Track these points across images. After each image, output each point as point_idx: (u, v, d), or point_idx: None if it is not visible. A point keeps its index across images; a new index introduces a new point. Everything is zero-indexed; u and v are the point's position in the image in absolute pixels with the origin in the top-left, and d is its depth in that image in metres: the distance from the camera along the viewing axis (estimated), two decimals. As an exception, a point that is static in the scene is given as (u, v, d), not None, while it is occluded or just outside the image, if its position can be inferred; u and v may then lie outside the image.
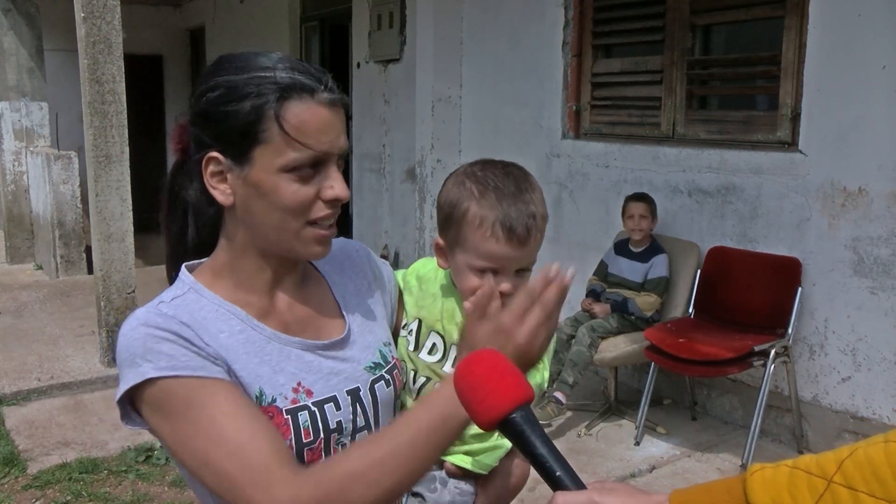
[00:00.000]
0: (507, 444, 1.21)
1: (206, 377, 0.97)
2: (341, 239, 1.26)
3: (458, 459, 1.21)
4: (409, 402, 1.23)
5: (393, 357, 1.19)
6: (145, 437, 3.72)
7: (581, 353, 3.68)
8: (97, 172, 4.36)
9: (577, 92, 4.65)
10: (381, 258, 1.31)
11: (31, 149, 7.31)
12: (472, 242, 1.13)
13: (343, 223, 7.54)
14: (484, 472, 1.20)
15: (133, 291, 4.54)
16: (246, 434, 0.96)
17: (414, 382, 1.22)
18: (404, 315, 1.27)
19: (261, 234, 1.05)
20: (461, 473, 1.21)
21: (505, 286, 1.13)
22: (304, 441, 1.04)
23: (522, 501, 3.33)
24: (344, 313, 1.16)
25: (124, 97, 4.39)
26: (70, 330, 5.29)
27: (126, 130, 4.43)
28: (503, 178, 1.15)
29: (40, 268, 7.26)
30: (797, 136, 3.58)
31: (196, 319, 1.01)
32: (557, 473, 0.92)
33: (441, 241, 1.20)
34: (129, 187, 4.47)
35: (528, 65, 4.90)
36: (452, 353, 1.19)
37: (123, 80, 4.38)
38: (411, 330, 1.24)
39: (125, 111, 4.41)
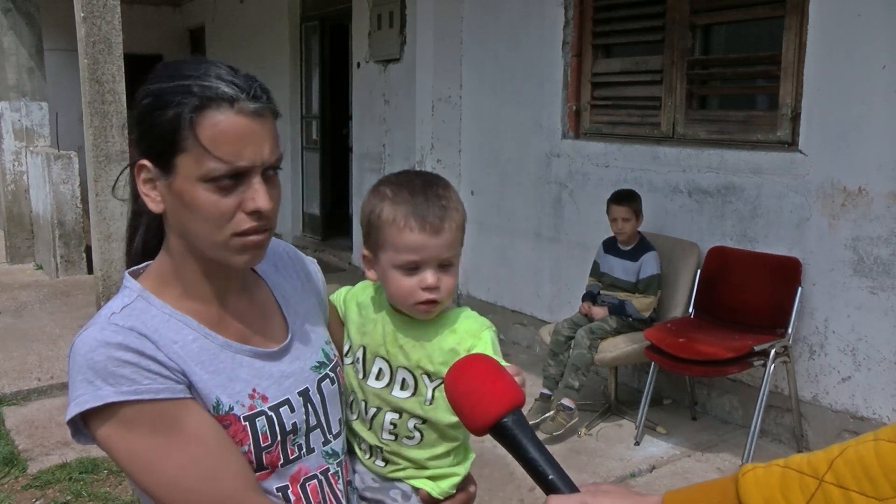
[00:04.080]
0: (463, 471, 1.26)
1: (169, 399, 0.99)
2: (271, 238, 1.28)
3: (422, 484, 1.23)
4: (364, 432, 1.25)
5: (334, 355, 1.22)
6: (145, 436, 3.72)
7: (582, 356, 3.67)
8: (97, 172, 4.36)
9: (577, 92, 4.65)
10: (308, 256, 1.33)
11: (31, 149, 7.31)
12: (390, 240, 1.17)
13: (343, 222, 7.55)
14: (441, 499, 1.24)
15: (133, 291, 4.54)
16: (215, 458, 1.00)
17: (366, 413, 1.24)
18: (348, 342, 1.28)
19: (192, 243, 1.05)
20: (430, 500, 1.24)
21: (430, 279, 1.16)
22: (263, 445, 1.07)
23: (522, 501, 3.34)
24: (286, 315, 1.18)
25: (124, 97, 4.39)
26: (70, 330, 5.29)
27: (126, 130, 4.43)
28: (414, 177, 1.20)
29: (40, 268, 7.26)
30: (797, 136, 3.58)
31: (151, 329, 1.02)
32: (550, 477, 0.92)
33: (366, 252, 1.23)
34: (129, 187, 4.46)
35: (528, 65, 4.90)
36: (399, 377, 1.21)
37: (123, 80, 4.38)
38: (358, 358, 1.26)
39: (125, 111, 4.41)
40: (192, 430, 1.00)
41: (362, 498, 1.25)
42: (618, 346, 3.72)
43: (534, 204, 4.94)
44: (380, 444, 1.23)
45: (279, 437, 1.08)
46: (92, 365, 0.98)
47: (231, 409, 1.05)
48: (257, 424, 1.06)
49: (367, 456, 1.25)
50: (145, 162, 1.03)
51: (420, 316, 1.20)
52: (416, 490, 1.23)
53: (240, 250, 1.03)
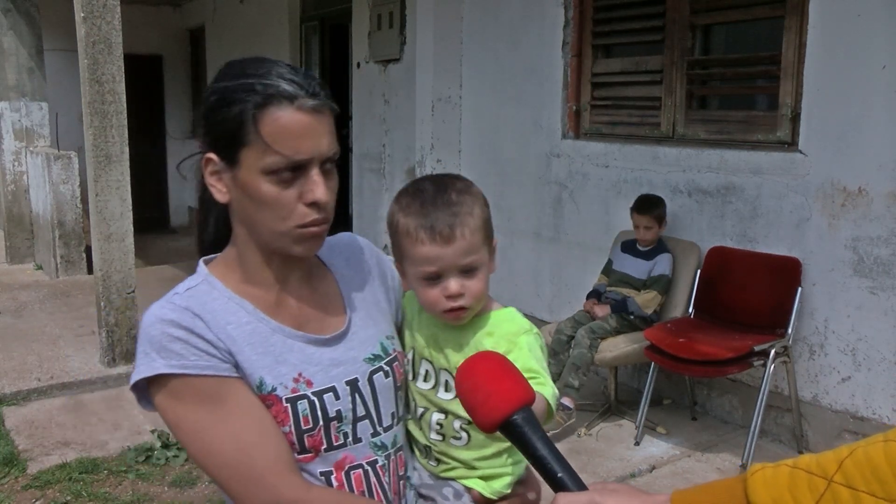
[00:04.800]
0: (517, 470, 1.23)
1: (213, 376, 1.06)
2: (348, 234, 1.33)
3: (473, 484, 1.22)
4: (416, 431, 1.25)
5: (394, 350, 1.23)
6: (145, 437, 3.72)
7: (582, 355, 3.68)
8: (97, 172, 4.35)
9: (577, 92, 4.65)
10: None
11: (31, 149, 7.31)
12: (408, 252, 1.17)
13: (343, 223, 7.55)
14: (495, 498, 1.22)
15: (133, 291, 4.54)
16: (253, 434, 1.06)
17: (416, 412, 1.25)
18: (403, 344, 1.30)
19: (255, 231, 1.11)
20: (483, 500, 1.23)
21: (452, 288, 1.16)
22: (304, 428, 1.10)
23: (522, 501, 3.30)
24: (346, 307, 1.21)
25: (124, 97, 4.39)
26: (70, 330, 5.29)
27: (126, 130, 4.43)
28: (429, 185, 1.19)
29: (40, 268, 7.26)
30: (797, 136, 3.58)
31: (207, 310, 1.09)
32: (559, 475, 0.92)
33: (396, 263, 1.24)
34: (129, 187, 4.47)
35: (528, 65, 4.90)
36: (442, 378, 1.22)
37: (123, 80, 4.38)
38: (408, 360, 1.27)
39: (125, 111, 4.40)
40: (234, 406, 1.06)
41: (419, 494, 1.25)
42: (618, 346, 3.72)
43: (534, 204, 4.94)
44: (429, 444, 1.23)
45: (321, 423, 1.11)
46: (149, 338, 1.06)
47: (274, 389, 1.09)
48: (299, 407, 1.10)
49: (422, 456, 1.26)
50: (212, 155, 1.09)
51: (452, 323, 1.20)
52: (469, 489, 1.22)
53: (299, 240, 1.09)
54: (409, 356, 1.26)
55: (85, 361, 4.63)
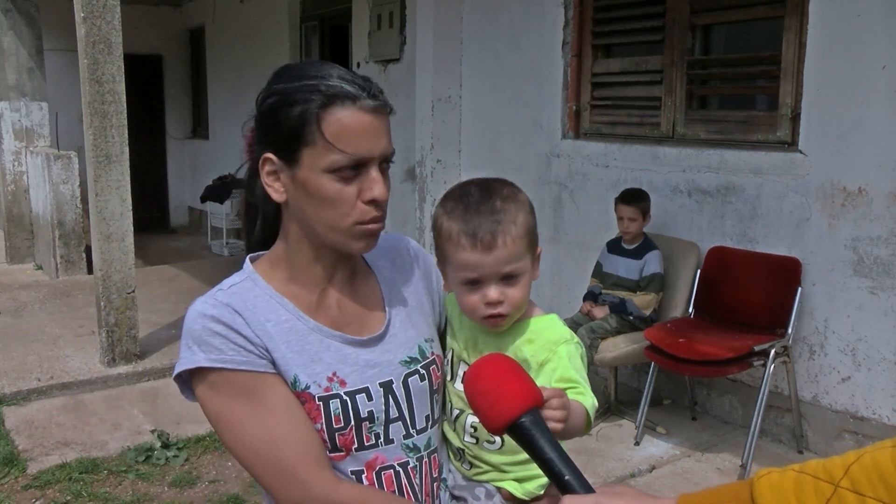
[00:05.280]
0: None
1: (250, 371, 1.09)
2: (395, 234, 1.34)
3: (508, 485, 1.22)
4: (450, 433, 1.26)
5: (432, 353, 1.24)
6: (145, 437, 3.72)
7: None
8: (97, 172, 4.36)
9: (577, 92, 4.65)
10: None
11: (31, 149, 7.31)
12: (449, 256, 1.17)
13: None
14: (527, 499, 1.22)
15: (133, 291, 4.54)
16: (285, 429, 1.08)
17: (451, 414, 1.25)
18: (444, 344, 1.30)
19: (311, 229, 1.13)
20: (513, 500, 1.23)
21: (492, 295, 1.15)
22: (335, 426, 1.12)
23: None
24: (387, 309, 1.23)
25: (124, 97, 4.39)
26: (70, 330, 5.29)
27: (126, 130, 4.43)
28: (476, 189, 1.18)
29: (40, 268, 7.27)
30: (797, 136, 3.58)
31: (247, 307, 1.12)
32: (566, 477, 0.93)
33: (439, 265, 1.24)
34: (128, 187, 4.47)
35: (528, 65, 4.90)
36: None
37: (123, 80, 4.38)
38: (447, 360, 1.26)
39: (125, 111, 4.41)
40: (269, 401, 1.09)
41: (452, 496, 1.26)
42: (618, 346, 3.72)
43: (534, 204, 4.93)
44: (463, 447, 1.23)
45: (353, 422, 1.13)
46: (191, 332, 1.10)
47: (307, 387, 1.11)
48: (331, 406, 1.12)
49: (455, 458, 1.26)
50: (270, 155, 1.11)
51: (490, 329, 1.19)
52: (500, 489, 1.22)
53: (358, 237, 1.12)
54: (448, 357, 1.26)
55: (85, 361, 4.63)
